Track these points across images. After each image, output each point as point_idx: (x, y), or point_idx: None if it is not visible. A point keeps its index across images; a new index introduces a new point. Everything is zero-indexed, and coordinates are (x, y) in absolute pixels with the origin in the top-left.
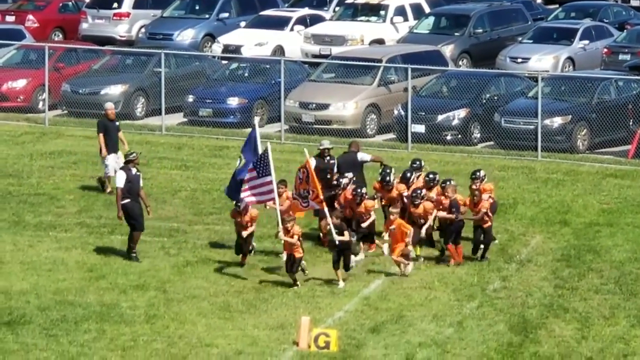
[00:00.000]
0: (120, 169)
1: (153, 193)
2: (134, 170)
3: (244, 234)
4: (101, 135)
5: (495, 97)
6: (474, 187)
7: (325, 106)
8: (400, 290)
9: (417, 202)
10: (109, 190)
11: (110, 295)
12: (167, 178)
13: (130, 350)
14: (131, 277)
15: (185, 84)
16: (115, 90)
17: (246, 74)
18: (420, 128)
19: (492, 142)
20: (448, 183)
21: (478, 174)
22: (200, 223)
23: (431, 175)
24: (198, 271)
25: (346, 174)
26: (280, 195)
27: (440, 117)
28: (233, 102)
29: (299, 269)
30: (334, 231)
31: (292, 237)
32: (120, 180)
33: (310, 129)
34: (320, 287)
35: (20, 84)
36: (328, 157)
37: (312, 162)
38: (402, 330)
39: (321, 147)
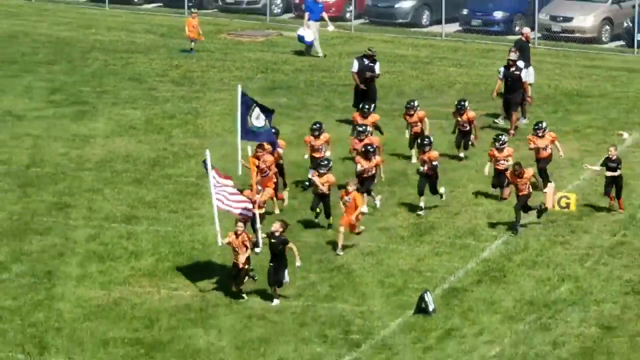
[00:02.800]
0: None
1: (435, 85)
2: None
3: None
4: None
5: None
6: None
7: (570, 19)
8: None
9: None
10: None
11: None
12: (445, 73)
13: None
14: None
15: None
16: (406, 4)
17: None
18: None
19: None
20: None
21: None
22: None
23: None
24: None
25: None
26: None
27: None
28: (498, 14)
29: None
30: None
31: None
32: (355, 66)
33: (558, 36)
34: (562, 161)
35: None
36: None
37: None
38: (629, 193)
39: (510, 59)
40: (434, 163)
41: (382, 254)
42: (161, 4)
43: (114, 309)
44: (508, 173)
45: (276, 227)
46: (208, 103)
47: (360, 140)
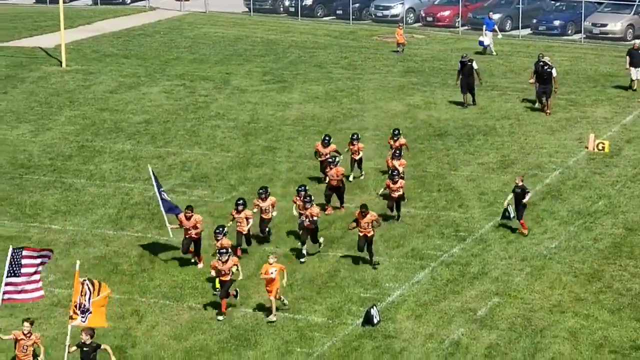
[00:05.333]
0: None
1: (514, 69)
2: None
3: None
4: (628, 57)
5: None
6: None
7: (605, 25)
8: None
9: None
10: None
11: None
12: (521, 62)
13: None
14: None
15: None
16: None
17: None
18: None
19: None
20: None
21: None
22: None
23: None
24: None
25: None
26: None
27: None
28: (557, 22)
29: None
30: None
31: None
32: (459, 66)
33: (597, 37)
34: (600, 118)
35: (445, 13)
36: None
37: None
38: None
39: (542, 60)
40: (314, 218)
41: (480, 180)
42: (335, 17)
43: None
44: (356, 213)
45: (85, 337)
46: (365, 81)
47: (331, 169)
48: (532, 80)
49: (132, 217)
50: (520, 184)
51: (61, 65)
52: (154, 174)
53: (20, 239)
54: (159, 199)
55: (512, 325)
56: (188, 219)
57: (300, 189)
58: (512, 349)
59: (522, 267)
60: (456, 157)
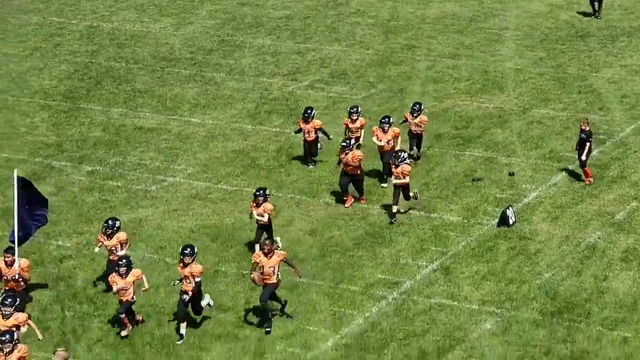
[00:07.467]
0: None
1: None
2: None
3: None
4: None
5: None
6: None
7: None
8: None
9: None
10: None
11: None
12: None
13: None
14: None
15: None
16: None
17: None
18: None
19: None
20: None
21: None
22: None
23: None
24: None
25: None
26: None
27: None
28: None
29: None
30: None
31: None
32: None
33: None
34: None
35: None
36: None
37: None
38: None
39: None
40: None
41: (622, 82)
42: None
43: (443, 114)
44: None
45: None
46: None
47: (347, 154)
48: None
49: (270, 112)
50: (587, 128)
51: None
52: (21, 181)
53: (161, 131)
54: (17, 215)
55: None
56: (8, 265)
57: (258, 193)
58: None
59: None
60: (598, 58)
